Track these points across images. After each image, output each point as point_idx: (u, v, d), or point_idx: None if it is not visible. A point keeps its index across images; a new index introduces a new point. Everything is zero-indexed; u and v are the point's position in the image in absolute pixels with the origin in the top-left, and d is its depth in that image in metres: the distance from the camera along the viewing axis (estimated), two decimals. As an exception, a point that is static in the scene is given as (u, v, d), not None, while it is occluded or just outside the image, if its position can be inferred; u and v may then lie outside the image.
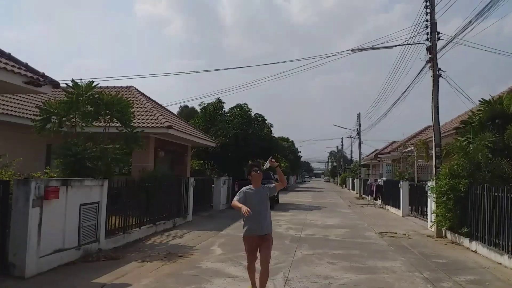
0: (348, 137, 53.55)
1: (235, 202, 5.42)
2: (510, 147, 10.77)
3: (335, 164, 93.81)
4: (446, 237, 11.86)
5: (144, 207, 11.00)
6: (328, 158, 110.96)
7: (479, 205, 9.89)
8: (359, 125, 41.68)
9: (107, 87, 17.02)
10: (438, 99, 13.48)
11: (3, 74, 6.74)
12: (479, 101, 12.25)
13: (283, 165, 48.49)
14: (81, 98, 9.70)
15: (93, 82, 10.13)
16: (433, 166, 13.45)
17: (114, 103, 10.17)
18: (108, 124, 10.55)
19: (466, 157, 11.32)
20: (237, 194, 5.57)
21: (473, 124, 11.91)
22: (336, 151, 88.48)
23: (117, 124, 10.68)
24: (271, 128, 31.87)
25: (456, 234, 11.12)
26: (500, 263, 8.44)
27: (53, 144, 12.30)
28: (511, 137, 10.62)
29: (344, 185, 58.78)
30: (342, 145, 75.04)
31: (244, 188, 5.61)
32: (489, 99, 11.98)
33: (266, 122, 30.64)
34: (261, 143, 27.28)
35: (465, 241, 10.56)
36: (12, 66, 7.14)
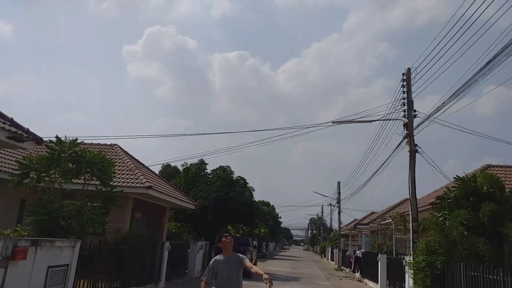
0: (328, 205, 53.61)
1: (202, 285, 5.16)
2: (485, 225, 10.98)
3: (315, 232, 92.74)
4: (425, 315, 11.62)
5: (115, 271, 10.59)
6: (308, 225, 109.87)
7: (456, 284, 9.87)
8: (339, 193, 41.99)
9: (91, 144, 17.09)
10: (414, 173, 13.89)
11: (-13, 128, 6.78)
12: (454, 178, 12.67)
13: (262, 230, 47.76)
14: (63, 155, 9.70)
15: (77, 139, 10.20)
16: (411, 240, 13.53)
17: (96, 162, 10.18)
18: (87, 182, 10.46)
19: (442, 234, 11.45)
20: (207, 268, 5.34)
21: (448, 200, 12.20)
22: (316, 218, 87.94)
23: (97, 182, 10.60)
24: (253, 192, 31.81)
25: (436, 312, 10.94)
26: None
27: (28, 199, 12.03)
28: (485, 216, 10.88)
29: (323, 255, 57.75)
30: (322, 212, 74.89)
31: (214, 258, 5.40)
32: (463, 177, 12.41)
33: (247, 185, 30.61)
34: (241, 207, 27.03)
35: (444, 320, 10.39)
36: (-3, 120, 7.21)
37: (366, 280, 21.81)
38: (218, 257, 5.41)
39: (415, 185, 13.81)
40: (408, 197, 14.35)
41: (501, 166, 18.27)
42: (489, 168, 17.25)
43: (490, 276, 8.15)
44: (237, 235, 30.28)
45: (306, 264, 37.82)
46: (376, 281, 18.99)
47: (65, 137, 10.17)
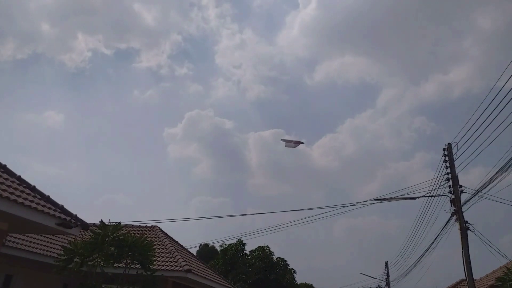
0: (376, 287, 50.17)
1: None
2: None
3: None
4: None
5: None
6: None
7: None
8: (388, 274, 39.47)
9: (133, 226, 17.38)
10: (469, 253, 13.03)
11: (39, 216, 7.13)
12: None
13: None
14: (106, 239, 9.89)
15: (120, 223, 10.44)
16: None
17: (137, 245, 10.27)
18: (129, 266, 10.48)
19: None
20: None
21: (510, 283, 11.23)
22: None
23: (137, 266, 10.59)
24: (294, 274, 30.56)
25: None
26: None
27: (70, 284, 12.11)
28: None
29: None
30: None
31: None
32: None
33: (288, 267, 29.53)
34: (282, 291, 25.91)
35: None
36: (49, 208, 7.58)
37: None
38: None
39: (470, 266, 12.87)
40: (463, 277, 13.31)
41: None
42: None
43: None
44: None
45: None
46: None
47: (109, 221, 10.43)
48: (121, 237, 10.20)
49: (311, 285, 59.91)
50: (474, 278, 13.63)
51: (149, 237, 14.89)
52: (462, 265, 13.00)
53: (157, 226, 18.68)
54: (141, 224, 18.66)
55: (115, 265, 10.42)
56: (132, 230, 15.74)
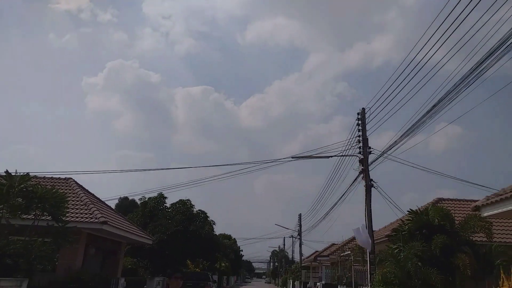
0: (290, 237, 53.65)
1: None
2: (437, 257, 11.46)
3: (276, 264, 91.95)
4: None
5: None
6: (270, 258, 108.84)
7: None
8: (300, 226, 42.23)
9: (44, 178, 16.49)
10: (371, 207, 14.37)
11: None
12: (408, 211, 13.25)
13: (223, 264, 46.86)
14: (13, 190, 9.36)
15: (29, 174, 9.90)
16: (368, 272, 13.83)
17: (48, 197, 9.89)
18: (38, 218, 10.09)
19: (397, 265, 11.80)
20: None
21: (403, 233, 12.68)
22: (278, 250, 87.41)
23: (48, 218, 10.24)
24: (213, 225, 31.43)
25: None
26: None
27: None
28: (437, 247, 11.38)
29: (285, 287, 57.17)
30: (284, 244, 74.62)
31: None
32: (416, 210, 13.01)
33: (208, 219, 30.25)
34: (201, 242, 26.59)
35: None
36: None
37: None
38: None
39: (371, 219, 14.25)
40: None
41: (452, 200, 19.14)
42: (440, 202, 18.06)
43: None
44: (197, 270, 29.56)
45: (267, 298, 37.30)
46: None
47: (16, 171, 9.85)
48: (30, 188, 9.74)
49: (229, 235, 62.34)
50: (374, 229, 15.18)
51: (62, 189, 14.31)
52: (365, 219, 14.37)
53: (71, 178, 17.94)
54: (54, 176, 17.80)
55: (23, 216, 9.98)
56: (44, 182, 14.98)
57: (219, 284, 36.71)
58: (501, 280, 8.48)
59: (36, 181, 11.09)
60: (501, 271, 8.74)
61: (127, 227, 17.78)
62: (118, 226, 15.87)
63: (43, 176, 16.69)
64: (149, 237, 20.52)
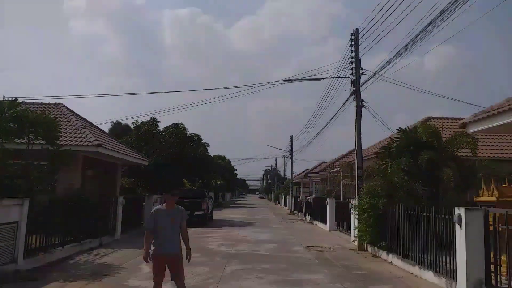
0: (282, 157, 55.07)
1: (146, 236, 5.66)
2: (423, 171, 11.94)
3: (269, 181, 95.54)
4: (367, 250, 12.72)
5: (68, 226, 10.64)
6: (263, 176, 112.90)
7: (395, 222, 10.80)
8: (292, 146, 43.22)
9: (34, 103, 16.28)
10: (360, 127, 14.59)
11: None
12: (397, 129, 13.53)
13: (218, 182, 48.60)
14: (4, 115, 9.33)
15: (17, 99, 9.79)
16: (356, 186, 14.46)
17: (40, 121, 9.90)
18: (32, 142, 10.19)
19: (384, 179, 12.35)
20: (149, 216, 5.77)
21: (391, 150, 13.06)
22: (270, 169, 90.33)
23: (42, 142, 10.34)
24: (207, 147, 31.99)
25: (376, 248, 12.00)
26: (412, 273, 9.30)
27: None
28: (423, 162, 11.81)
29: (277, 202, 60.07)
30: (276, 164, 77.10)
31: (156, 208, 5.80)
32: (405, 128, 13.28)
33: (202, 141, 30.70)
34: (196, 163, 27.27)
35: (383, 254, 11.43)
36: None
37: (316, 222, 23.19)
38: (160, 206, 5.82)
39: (360, 137, 14.56)
40: (355, 148, 15.09)
41: (441, 118, 19.45)
42: (429, 120, 18.37)
43: (424, 214, 8.98)
44: (193, 187, 30.68)
45: (261, 211, 39.36)
46: (325, 222, 20.27)
47: (4, 97, 9.74)
48: (20, 113, 9.71)
49: (224, 156, 63.76)
50: (363, 148, 15.58)
51: (53, 115, 14.25)
52: (354, 138, 14.66)
53: (61, 104, 17.73)
54: (43, 102, 17.57)
55: (17, 141, 10.08)
56: (33, 108, 14.83)
57: (215, 200, 38.35)
58: (482, 190, 8.95)
59: (25, 107, 11.01)
60: (483, 182, 9.19)
61: (122, 150, 18.06)
62: (113, 149, 16.11)
63: (32, 102, 16.46)
64: (144, 159, 20.95)
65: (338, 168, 23.72)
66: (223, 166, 55.65)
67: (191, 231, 10.75)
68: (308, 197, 28.32)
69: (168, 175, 24.47)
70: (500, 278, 6.96)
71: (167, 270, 5.66)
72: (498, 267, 6.96)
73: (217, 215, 27.69)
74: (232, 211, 36.53)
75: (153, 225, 5.59)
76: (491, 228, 7.14)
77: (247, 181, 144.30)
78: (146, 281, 7.52)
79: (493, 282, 7.01)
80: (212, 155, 39.26)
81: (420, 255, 9.11)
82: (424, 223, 8.97)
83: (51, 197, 10.59)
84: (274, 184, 78.97)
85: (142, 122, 27.36)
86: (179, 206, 5.91)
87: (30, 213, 8.52)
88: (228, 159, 67.28)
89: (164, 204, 5.77)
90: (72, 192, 12.16)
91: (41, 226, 9.26)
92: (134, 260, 9.85)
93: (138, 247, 12.08)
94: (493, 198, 8.29)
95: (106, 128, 30.23)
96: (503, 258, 7.02)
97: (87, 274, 8.26)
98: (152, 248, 5.58)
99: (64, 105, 17.67)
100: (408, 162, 12.04)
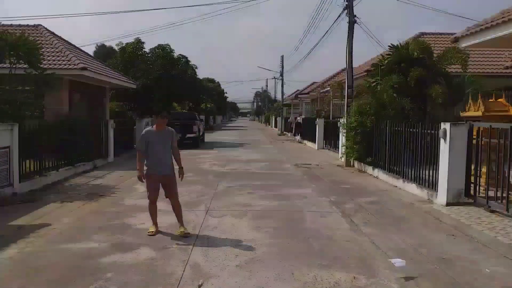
0: (272, 78, 54.45)
1: (138, 156, 5.74)
2: (412, 88, 11.95)
3: (260, 104, 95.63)
4: (354, 166, 13.17)
5: (61, 150, 10.74)
6: (254, 98, 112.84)
7: (382, 138, 11.05)
8: (282, 67, 42.55)
9: (11, 25, 15.46)
10: (352, 44, 14.26)
11: None
12: (389, 46, 13.23)
13: (208, 106, 48.49)
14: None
15: (-8, 19, 9.27)
16: (345, 104, 14.53)
17: (20, 44, 9.49)
18: (14, 66, 9.86)
19: (374, 97, 12.39)
20: (140, 138, 5.81)
21: (382, 67, 12.91)
22: (261, 91, 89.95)
23: (25, 66, 10.02)
24: (196, 69, 31.37)
25: (362, 164, 12.42)
26: (396, 186, 9.75)
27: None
28: (413, 79, 11.76)
29: (268, 123, 60.65)
30: (267, 85, 76.76)
31: (146, 129, 5.84)
32: (397, 45, 12.99)
33: (190, 63, 30.01)
34: (185, 85, 26.89)
35: (369, 169, 11.87)
36: None
37: (305, 141, 23.69)
38: (150, 128, 5.87)
39: (352, 55, 14.31)
40: (346, 66, 14.89)
41: (433, 34, 19.00)
42: (422, 36, 17.98)
43: (411, 130, 9.17)
44: (183, 111, 30.64)
45: (252, 132, 39.89)
46: (314, 141, 20.73)
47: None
48: (-2, 36, 9.27)
49: (213, 79, 62.91)
50: (354, 67, 15.37)
51: (33, 37, 13.60)
52: (346, 56, 14.37)
53: (41, 25, 16.88)
54: (22, 24, 16.69)
55: (-2, 65, 9.75)
56: (12, 29, 14.10)
57: (206, 124, 38.60)
58: (468, 105, 9.08)
59: (3, 29, 10.48)
60: (470, 98, 9.29)
61: (108, 73, 17.65)
62: (98, 72, 15.74)
63: (9, 23, 15.62)
64: (132, 82, 20.60)
65: (329, 88, 23.67)
66: (212, 88, 55.10)
67: (183, 153, 10.91)
68: (298, 118, 28.58)
69: (157, 98, 24.26)
70: (479, 189, 7.34)
71: (161, 189, 5.86)
72: (478, 178, 7.31)
73: (209, 137, 28.03)
74: (223, 134, 36.95)
75: (145, 146, 5.66)
76: (474, 142, 7.36)
77: (237, 104, 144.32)
78: (142, 200, 7.72)
79: (472, 192, 7.41)
80: (201, 78, 38.65)
81: (404, 169, 9.48)
82: (411, 139, 9.20)
83: (40, 122, 10.54)
84: (265, 107, 79.14)
85: (127, 44, 26.41)
86: (169, 128, 5.94)
87: (21, 138, 8.53)
88: (218, 82, 66.55)
89: (154, 126, 5.80)
90: (61, 116, 12.09)
91: (34, 151, 9.33)
92: (128, 181, 10.11)
93: (132, 169, 12.34)
94: (479, 113, 8.45)
95: (90, 51, 29.23)
96: (483, 170, 7.33)
97: (84, 195, 8.51)
98: (146, 168, 5.72)
99: (44, 27, 16.86)
100: (398, 79, 12.00)
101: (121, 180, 10.42)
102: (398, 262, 4.64)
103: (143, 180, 5.76)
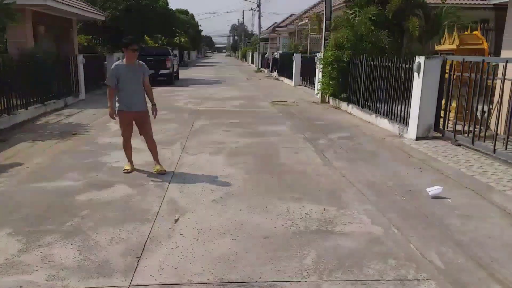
0: (249, 10, 52.52)
1: (108, 93, 5.59)
2: (390, 20, 11.75)
3: (236, 38, 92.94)
4: (329, 103, 13.27)
5: (29, 87, 10.32)
6: (230, 32, 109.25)
7: (358, 74, 11.03)
8: (259, -4, 40.88)
9: None
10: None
11: None
12: (370, -24, 12.75)
13: (182, 40, 46.82)
14: None
15: None
16: (323, 38, 14.25)
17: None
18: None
19: (351, 30, 12.16)
20: (109, 73, 5.56)
21: None
22: (237, 24, 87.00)
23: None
24: (167, -1, 29.78)
25: (337, 100, 12.50)
26: (369, 122, 9.93)
27: None
28: (391, 11, 11.53)
29: (244, 59, 59.53)
30: (243, 18, 74.60)
31: (115, 64, 5.59)
32: (378, -25, 12.52)
33: (160, -8, 28.40)
34: (156, 17, 25.66)
35: (344, 105, 11.98)
36: None
37: (282, 78, 23.51)
38: (120, 62, 5.60)
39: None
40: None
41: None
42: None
43: (386, 64, 9.16)
44: (156, 45, 29.54)
45: (228, 69, 39.19)
46: (291, 78, 20.59)
47: None
48: None
49: (186, 10, 60.13)
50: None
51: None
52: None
53: None
54: None
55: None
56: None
57: (180, 59, 37.52)
58: (444, 38, 9.05)
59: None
60: (446, 31, 9.24)
61: (74, 3, 16.57)
62: (63, 2, 14.75)
63: None
64: (100, 13, 19.46)
65: (307, 20, 23.06)
66: (186, 21, 52.82)
67: (157, 90, 10.72)
68: (275, 53, 28.07)
69: (127, 31, 23.16)
70: (448, 123, 7.57)
71: (135, 127, 5.79)
72: (448, 113, 7.50)
73: (183, 74, 27.39)
74: (198, 70, 36.15)
75: (115, 81, 5.46)
76: (447, 76, 7.45)
77: (213, 39, 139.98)
78: (116, 138, 7.61)
79: (441, 126, 7.64)
80: (173, 9, 36.89)
81: (378, 105, 9.61)
82: (386, 73, 9.22)
83: (5, 57, 10.00)
84: (241, 41, 77.03)
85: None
86: (140, 61, 5.72)
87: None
88: (191, 14, 63.66)
89: (124, 60, 5.57)
90: (26, 51, 11.47)
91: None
92: (102, 119, 9.91)
93: (104, 106, 12.00)
94: (453, 46, 8.45)
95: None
96: (453, 104, 7.51)
97: (56, 134, 8.35)
98: (117, 105, 5.58)
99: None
100: (376, 11, 11.77)
101: (94, 118, 10.22)
102: (433, 190, 4.81)
103: (115, 118, 5.64)
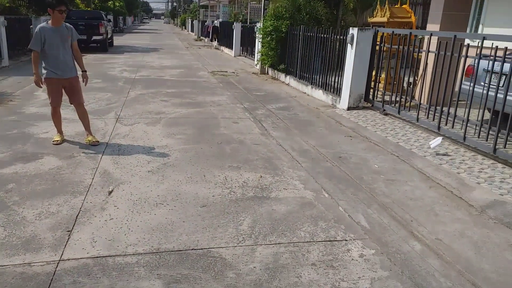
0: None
1: (33, 58, 5.17)
2: (327, -9, 11.89)
3: (175, 4, 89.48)
4: (268, 74, 13.36)
5: None
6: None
7: (295, 45, 11.14)
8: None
9: None
10: None
11: None
12: None
13: (117, 4, 44.25)
14: None
15: None
16: (262, 8, 14.17)
17: None
18: None
19: (289, 0, 12.18)
20: (34, 36, 5.12)
21: None
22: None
23: None
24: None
25: (276, 71, 12.60)
26: (305, 93, 10.17)
27: None
28: (328, -19, 11.65)
29: (184, 27, 57.74)
30: (182, -17, 71.02)
31: (40, 26, 5.16)
32: None
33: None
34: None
35: (282, 77, 12.13)
36: None
37: (222, 48, 23.19)
38: (45, 24, 5.19)
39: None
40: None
41: None
42: None
43: (322, 35, 9.33)
44: (88, 9, 27.70)
45: (166, 36, 37.85)
46: (231, 48, 20.35)
47: None
48: None
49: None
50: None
51: None
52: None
53: None
54: None
55: None
56: None
57: (115, 25, 35.57)
58: (376, 11, 9.38)
59: None
60: (378, 3, 9.57)
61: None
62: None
63: None
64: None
65: (246, -11, 22.72)
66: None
67: (89, 57, 10.18)
68: (215, 22, 27.48)
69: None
70: (377, 94, 7.97)
71: (65, 95, 5.48)
72: (377, 84, 7.89)
73: (118, 41, 26.09)
74: (134, 37, 34.58)
75: (41, 45, 5.07)
76: (378, 48, 7.78)
77: (150, 4, 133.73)
78: (44, 108, 7.26)
79: (371, 97, 8.03)
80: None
81: (314, 76, 9.85)
82: (322, 45, 9.41)
83: None
84: (181, 8, 74.31)
85: None
86: (67, 24, 5.34)
87: None
88: (127, -24, 60.12)
89: (49, 22, 5.18)
90: None
91: None
92: (28, 87, 9.26)
93: (31, 74, 11.25)
94: (385, 19, 8.80)
95: None
96: (383, 76, 7.90)
97: (-25, 103, 7.70)
98: (44, 71, 5.23)
99: None
100: (315, -19, 11.86)
101: (19, 87, 9.50)
102: (434, 142, 5.49)
103: (41, 86, 5.30)
